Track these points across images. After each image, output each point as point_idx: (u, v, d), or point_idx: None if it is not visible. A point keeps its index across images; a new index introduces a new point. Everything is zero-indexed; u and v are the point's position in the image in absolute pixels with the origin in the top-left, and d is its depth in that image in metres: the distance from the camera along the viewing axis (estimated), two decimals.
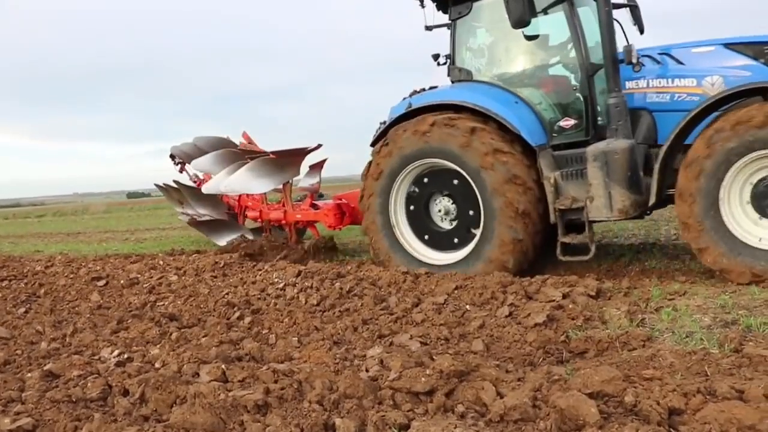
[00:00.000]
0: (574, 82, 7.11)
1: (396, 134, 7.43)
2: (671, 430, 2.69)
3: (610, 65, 6.67)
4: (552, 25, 7.23)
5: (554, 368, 3.64)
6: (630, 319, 4.75)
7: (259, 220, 11.19)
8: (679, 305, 5.04)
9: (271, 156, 9.72)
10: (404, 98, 7.89)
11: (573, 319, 4.80)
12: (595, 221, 6.56)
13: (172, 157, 13.21)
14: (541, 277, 6.12)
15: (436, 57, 8.14)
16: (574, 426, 2.72)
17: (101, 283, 7.99)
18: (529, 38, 7.27)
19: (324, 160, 10.53)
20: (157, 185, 13.36)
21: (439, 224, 7.52)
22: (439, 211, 7.46)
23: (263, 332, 5.37)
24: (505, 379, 3.28)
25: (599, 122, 6.90)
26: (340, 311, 5.62)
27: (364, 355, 4.02)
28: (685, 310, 4.89)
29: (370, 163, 7.85)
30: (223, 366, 3.85)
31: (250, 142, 11.72)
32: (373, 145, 7.99)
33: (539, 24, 7.18)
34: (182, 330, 5.42)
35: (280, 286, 6.71)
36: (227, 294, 6.65)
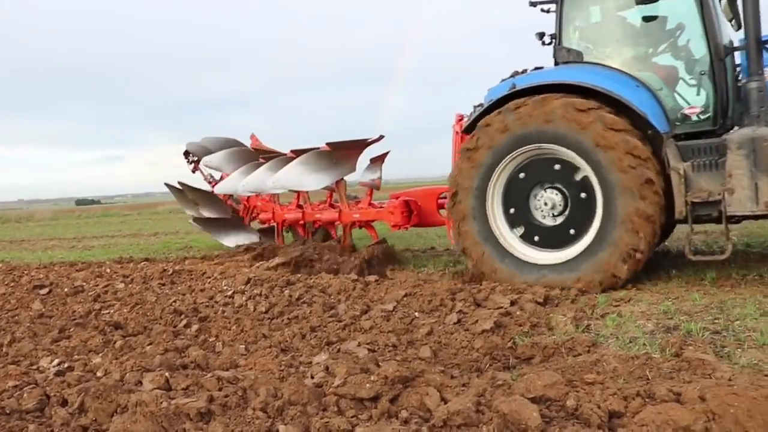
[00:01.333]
0: (700, 67, 6.46)
1: (503, 115, 6.62)
2: None
3: (753, 46, 6.05)
4: (674, 4, 6.65)
5: (499, 374, 3.67)
6: (576, 326, 4.83)
7: (272, 221, 11.00)
8: (624, 311, 5.14)
9: (326, 149, 9.12)
10: (504, 79, 7.19)
11: (520, 325, 4.85)
12: (735, 216, 6.01)
13: (186, 154, 12.71)
14: (490, 285, 6.17)
15: (541, 36, 7.45)
16: (516, 430, 2.74)
17: (44, 291, 7.77)
18: (648, 19, 6.69)
19: (386, 154, 9.54)
20: (168, 185, 12.66)
21: (540, 220, 6.77)
22: (546, 204, 6.68)
23: (210, 340, 5.29)
24: (449, 385, 3.29)
25: (731, 110, 6.39)
26: (288, 319, 5.58)
27: (310, 362, 3.99)
28: (630, 316, 4.99)
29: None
30: (167, 374, 3.77)
31: (258, 143, 11.69)
32: (468, 130, 7.21)
33: (659, 3, 6.53)
34: (127, 338, 5.30)
35: (229, 293, 6.63)
36: (175, 301, 6.55)
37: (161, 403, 3.25)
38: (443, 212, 8.53)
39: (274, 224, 11.13)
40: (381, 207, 9.27)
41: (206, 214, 11.60)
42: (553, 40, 7.23)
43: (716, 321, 4.72)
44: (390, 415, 3.05)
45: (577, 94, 6.35)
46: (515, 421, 2.73)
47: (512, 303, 5.45)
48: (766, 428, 2.65)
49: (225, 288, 6.92)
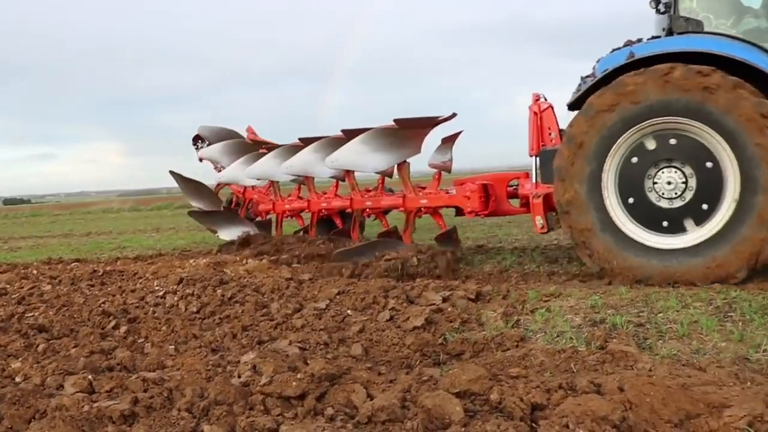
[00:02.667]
0: None
1: (620, 88, 5.98)
2: (532, 424, 2.78)
3: None
4: None
5: (427, 370, 3.69)
6: (506, 321, 4.90)
7: (272, 212, 10.54)
8: (553, 306, 5.23)
9: (392, 126, 8.21)
10: (615, 49, 6.72)
11: (451, 321, 4.90)
12: None
13: (196, 139, 12.08)
14: (424, 282, 6.21)
15: (657, 3, 6.88)
16: (440, 425, 2.76)
17: None
18: None
19: (458, 133, 8.75)
20: (172, 173, 11.60)
21: (654, 202, 6.14)
22: (669, 184, 6.04)
23: (139, 341, 5.18)
24: (376, 382, 3.29)
25: None
26: (220, 318, 5.50)
27: (238, 361, 3.95)
28: (559, 311, 5.08)
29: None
30: (90, 377, 3.69)
31: (255, 135, 11.38)
32: (574, 106, 6.60)
33: None
34: (51, 341, 5.12)
35: (161, 293, 6.49)
36: (104, 303, 6.37)
37: (83, 406, 3.18)
38: (513, 201, 8.19)
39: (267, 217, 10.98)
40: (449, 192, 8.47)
41: (197, 206, 11.30)
42: (669, 9, 6.69)
43: (641, 314, 4.85)
44: (316, 412, 3.04)
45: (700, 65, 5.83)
46: (439, 415, 2.75)
47: (444, 299, 5.50)
48: (679, 415, 2.74)
49: (157, 288, 6.77)
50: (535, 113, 7.60)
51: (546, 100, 7.58)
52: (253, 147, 10.59)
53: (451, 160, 8.69)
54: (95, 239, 16.81)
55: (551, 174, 6.54)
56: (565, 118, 7.23)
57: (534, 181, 7.53)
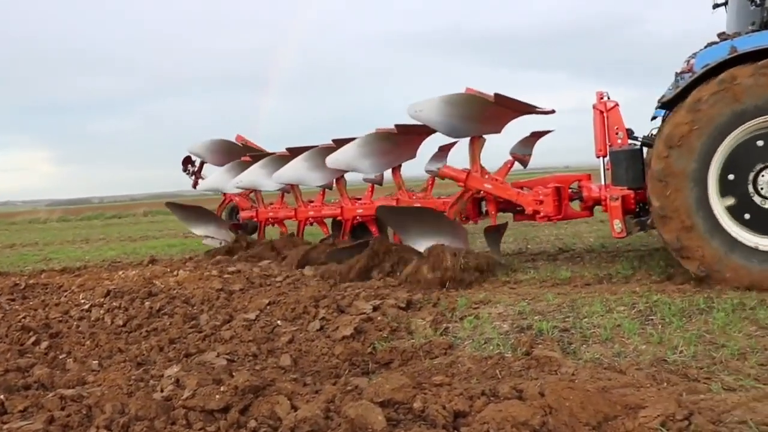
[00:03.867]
0: None
1: (725, 84, 5.67)
2: (455, 431, 2.80)
3: None
4: None
5: (353, 379, 3.67)
6: (435, 329, 4.93)
7: (254, 219, 10.58)
8: (482, 313, 5.30)
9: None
10: (711, 43, 6.57)
11: (380, 330, 4.90)
12: None
13: (187, 162, 11.93)
14: (355, 291, 6.21)
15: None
16: None
17: None
18: None
19: (546, 132, 8.88)
20: (169, 204, 11.90)
21: (759, 204, 5.83)
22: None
23: (60, 357, 5.01)
24: (301, 393, 3.27)
25: None
26: (147, 331, 5.38)
27: (162, 375, 3.86)
28: (487, 318, 5.15)
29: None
30: (2, 396, 3.54)
31: (246, 143, 11.23)
32: (669, 104, 6.30)
33: None
34: None
35: (86, 307, 6.31)
36: (24, 318, 6.16)
37: None
38: (574, 204, 7.81)
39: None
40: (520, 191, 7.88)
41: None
42: (764, 2, 6.60)
43: (566, 319, 4.96)
44: (239, 425, 2.99)
45: None
46: (362, 425, 2.75)
47: (375, 308, 5.50)
48: (597, 417, 2.80)
49: (82, 301, 6.58)
50: (601, 112, 7.35)
51: (610, 98, 7.34)
52: (244, 151, 10.57)
53: (530, 154, 8.97)
54: (19, 251, 16.24)
55: (624, 175, 6.62)
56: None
57: (603, 182, 7.25)
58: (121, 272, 8.43)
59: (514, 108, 7.61)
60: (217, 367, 3.85)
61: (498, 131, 7.91)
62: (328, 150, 8.54)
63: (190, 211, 11.27)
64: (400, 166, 8.62)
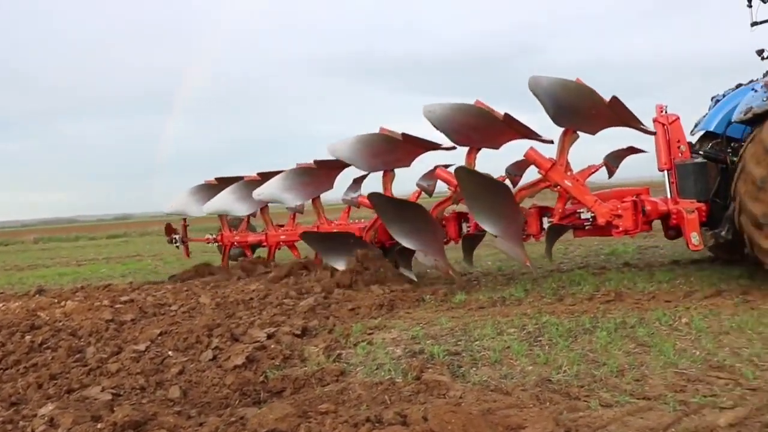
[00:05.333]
0: None
1: None
2: None
3: None
4: None
5: (242, 410, 3.61)
6: (327, 356, 4.91)
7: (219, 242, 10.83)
8: (376, 339, 5.32)
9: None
10: None
11: (273, 358, 4.83)
12: None
13: (170, 233, 11.70)
14: (250, 319, 6.12)
15: (760, 52, 7.45)
16: None
17: None
18: None
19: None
20: None
21: None
22: None
23: None
24: (184, 426, 3.19)
25: None
26: (25, 367, 5.10)
27: (35, 415, 3.67)
28: (381, 343, 5.17)
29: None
30: None
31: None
32: (759, 118, 6.40)
33: None
34: None
35: None
36: None
37: None
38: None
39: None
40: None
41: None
42: None
43: (458, 343, 5.04)
44: None
45: None
46: None
47: (269, 336, 5.44)
48: None
49: None
50: (663, 125, 7.46)
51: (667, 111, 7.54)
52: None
53: (617, 167, 8.98)
54: None
55: (693, 188, 6.89)
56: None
57: (669, 195, 7.37)
58: (1, 304, 8.00)
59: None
60: (98, 403, 3.70)
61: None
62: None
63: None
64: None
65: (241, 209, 10.12)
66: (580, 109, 6.98)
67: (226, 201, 10.12)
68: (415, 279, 8.10)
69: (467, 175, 7.38)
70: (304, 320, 6.06)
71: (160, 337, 5.59)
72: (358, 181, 9.71)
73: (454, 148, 8.01)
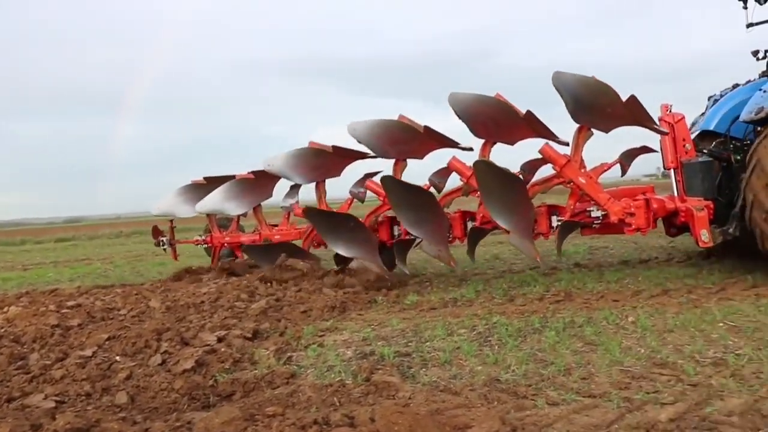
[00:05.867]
0: None
1: None
2: None
3: None
4: None
5: (189, 414, 3.57)
6: (278, 358, 4.88)
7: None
8: (327, 341, 5.31)
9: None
10: None
11: (223, 362, 4.78)
12: None
13: (157, 235, 11.19)
14: (201, 322, 6.06)
15: (755, 53, 7.88)
16: None
17: None
18: None
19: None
20: None
21: None
22: None
23: None
24: None
25: None
26: None
27: None
28: (332, 345, 5.16)
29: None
30: None
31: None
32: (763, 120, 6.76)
33: None
34: None
35: None
36: None
37: None
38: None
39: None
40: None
41: None
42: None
43: (409, 344, 5.06)
44: None
45: None
46: None
47: (220, 339, 5.38)
48: None
49: None
50: (670, 124, 7.54)
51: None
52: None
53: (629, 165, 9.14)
54: None
55: (700, 186, 7.15)
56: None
57: (676, 194, 7.49)
58: None
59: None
60: (39, 411, 3.61)
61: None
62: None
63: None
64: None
65: (234, 208, 9.98)
66: (597, 106, 7.03)
67: (218, 200, 9.96)
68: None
69: (485, 167, 7.38)
70: (256, 323, 6.01)
71: (107, 342, 5.48)
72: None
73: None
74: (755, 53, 8.20)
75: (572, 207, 7.83)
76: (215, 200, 9.93)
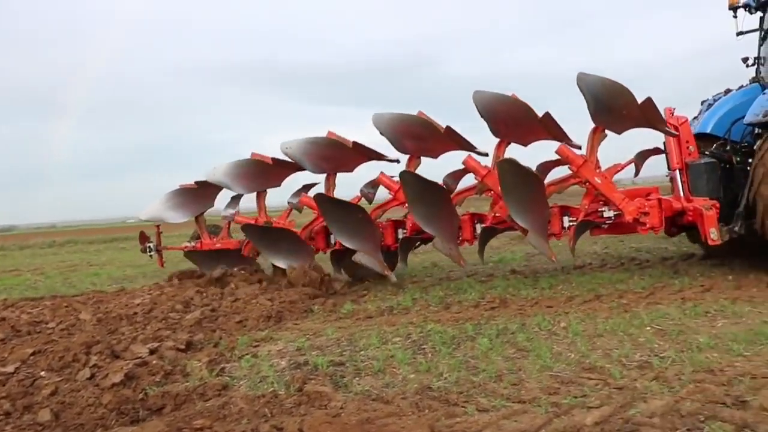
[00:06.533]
0: None
1: None
2: None
3: None
4: None
5: (120, 429, 3.49)
6: (210, 370, 4.81)
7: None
8: (261, 352, 5.26)
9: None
10: None
11: (154, 375, 4.69)
12: None
13: (144, 241, 10.55)
14: (133, 334, 5.92)
15: (745, 60, 8.47)
16: None
17: None
18: None
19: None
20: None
21: None
22: None
23: None
24: None
25: None
26: None
27: None
28: (266, 356, 5.12)
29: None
30: None
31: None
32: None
33: None
34: None
35: None
36: None
37: None
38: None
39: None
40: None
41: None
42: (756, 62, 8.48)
43: (343, 353, 5.05)
44: None
45: None
46: None
47: (152, 352, 5.27)
48: None
49: None
50: (674, 127, 7.68)
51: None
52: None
53: (642, 165, 8.91)
54: None
55: (705, 186, 7.49)
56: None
57: (681, 194, 7.67)
58: None
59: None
60: None
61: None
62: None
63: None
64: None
65: (175, 217, 9.89)
66: (614, 107, 7.19)
67: (161, 208, 9.94)
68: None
69: (509, 167, 7.37)
70: (190, 334, 5.91)
71: (32, 357, 5.29)
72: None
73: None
74: (745, 60, 8.72)
75: (587, 207, 7.99)
76: (158, 208, 9.90)
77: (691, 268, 8.30)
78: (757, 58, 8.76)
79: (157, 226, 10.76)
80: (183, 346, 5.49)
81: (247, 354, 5.20)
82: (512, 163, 7.33)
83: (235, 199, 9.78)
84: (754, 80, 8.61)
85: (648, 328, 5.25)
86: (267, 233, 9.00)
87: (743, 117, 7.84)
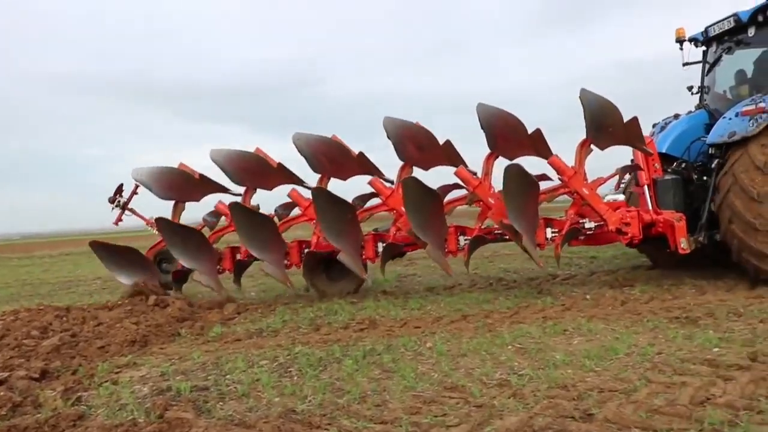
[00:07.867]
0: None
1: None
2: None
3: None
4: None
5: None
6: (66, 399, 4.58)
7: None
8: (122, 378, 5.08)
9: None
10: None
11: (0, 407, 4.41)
12: None
13: (117, 192, 9.79)
14: None
15: (690, 88, 9.58)
16: None
17: None
18: None
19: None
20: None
21: None
22: None
23: None
24: None
25: None
26: None
27: None
28: (127, 383, 4.94)
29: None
30: None
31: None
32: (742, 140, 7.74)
33: None
34: None
35: None
36: None
37: None
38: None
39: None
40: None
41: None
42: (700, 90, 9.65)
43: (208, 378, 4.96)
44: None
45: None
46: None
47: (1, 382, 4.96)
48: None
49: None
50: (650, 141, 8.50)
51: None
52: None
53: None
54: None
55: (672, 200, 8.35)
56: None
57: (650, 208, 8.28)
58: None
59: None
60: None
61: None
62: None
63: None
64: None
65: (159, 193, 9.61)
66: (603, 124, 7.73)
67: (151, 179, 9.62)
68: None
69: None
70: (45, 362, 5.60)
71: None
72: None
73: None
74: (690, 88, 9.76)
75: (572, 216, 8.32)
76: (149, 176, 9.56)
77: (554, 287, 8.73)
78: (701, 87, 9.79)
79: (136, 185, 9.91)
80: (37, 375, 5.20)
81: (106, 381, 5.00)
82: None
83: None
84: (698, 107, 9.70)
85: (510, 346, 5.46)
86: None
87: (699, 138, 9.06)
